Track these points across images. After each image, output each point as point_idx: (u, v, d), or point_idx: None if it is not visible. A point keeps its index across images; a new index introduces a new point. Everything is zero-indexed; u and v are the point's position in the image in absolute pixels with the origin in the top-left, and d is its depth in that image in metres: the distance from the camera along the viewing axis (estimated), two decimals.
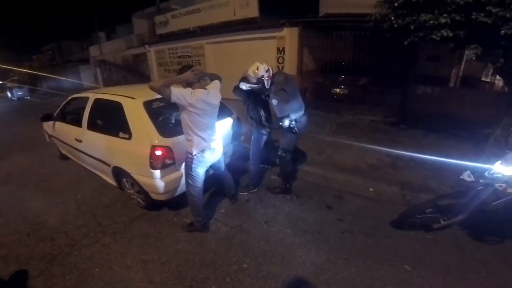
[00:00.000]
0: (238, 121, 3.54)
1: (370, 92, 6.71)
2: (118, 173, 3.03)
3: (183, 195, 2.70)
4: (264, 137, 3.20)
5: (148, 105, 2.76)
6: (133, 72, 16.37)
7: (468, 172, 2.30)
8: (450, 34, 3.55)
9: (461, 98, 4.76)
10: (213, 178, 2.88)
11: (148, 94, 2.79)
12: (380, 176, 3.52)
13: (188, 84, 2.24)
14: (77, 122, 3.48)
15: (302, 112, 2.89)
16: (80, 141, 3.41)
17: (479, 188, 2.21)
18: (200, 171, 2.40)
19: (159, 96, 2.25)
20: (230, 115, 3.41)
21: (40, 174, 4.22)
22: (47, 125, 4.44)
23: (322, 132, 5.02)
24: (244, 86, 2.75)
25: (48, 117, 4.24)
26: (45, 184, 3.86)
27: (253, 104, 2.99)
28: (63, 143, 4.05)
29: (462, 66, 6.36)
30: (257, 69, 2.65)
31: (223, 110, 2.69)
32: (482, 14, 3.13)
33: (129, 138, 2.71)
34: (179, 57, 10.70)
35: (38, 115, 4.60)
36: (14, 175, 4.28)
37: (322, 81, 7.21)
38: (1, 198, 3.51)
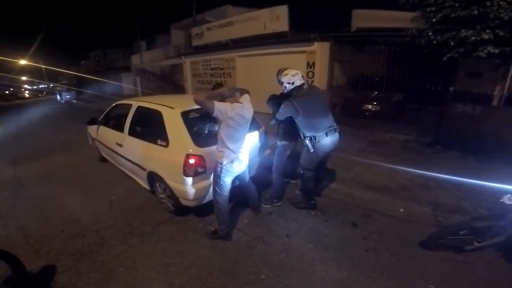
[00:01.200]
0: (265, 134, 3.62)
1: (404, 109, 6.47)
2: (152, 177, 3.21)
3: (210, 203, 2.79)
4: (287, 150, 3.23)
5: (185, 115, 2.93)
6: (168, 81, 17.13)
7: (509, 195, 2.17)
8: (496, 51, 3.40)
9: (505, 118, 4.41)
10: (238, 189, 2.95)
11: (186, 104, 3.00)
12: (411, 196, 3.39)
13: (224, 98, 2.39)
14: (119, 128, 3.78)
15: (323, 131, 2.80)
16: (120, 145, 3.69)
17: None
18: (227, 180, 2.51)
19: (196, 106, 2.41)
20: (258, 128, 3.50)
21: (80, 174, 4.59)
22: (91, 129, 4.85)
23: (351, 149, 4.92)
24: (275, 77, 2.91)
25: (93, 121, 4.66)
26: (84, 184, 4.18)
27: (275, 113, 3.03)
28: (105, 146, 4.39)
29: (507, 84, 5.92)
30: (286, 75, 2.79)
31: (252, 123, 2.79)
32: None
33: (166, 145, 2.90)
34: (212, 69, 11.02)
35: (82, 118, 5.08)
36: (56, 173, 4.70)
37: (353, 97, 7.10)
38: (43, 195, 3.85)
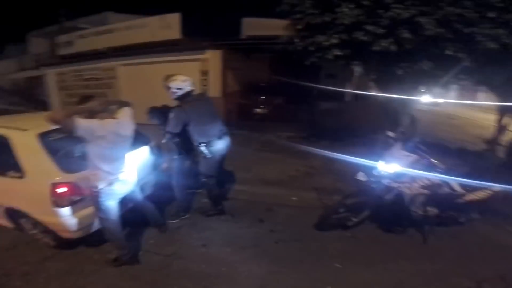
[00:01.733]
0: (157, 148, 3.40)
1: (286, 110, 7.48)
2: (13, 214, 2.56)
3: (100, 230, 2.43)
4: (185, 161, 3.15)
5: (44, 137, 2.41)
6: (25, 97, 13.82)
7: (362, 172, 2.79)
8: (340, 53, 4.13)
9: (355, 110, 5.82)
10: (135, 210, 2.70)
11: (44, 125, 2.44)
12: (300, 185, 3.95)
13: (93, 114, 2.07)
14: None
15: (215, 135, 2.90)
16: None
17: (372, 185, 2.69)
18: (110, 204, 2.22)
19: (57, 126, 2.00)
20: (147, 143, 3.25)
21: None
22: None
23: (247, 151, 5.32)
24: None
25: None
26: None
27: (161, 125, 2.97)
28: None
29: (355, 82, 7.68)
30: (173, 80, 2.75)
31: (139, 138, 2.57)
32: (362, 33, 3.80)
33: (22, 176, 2.32)
34: (85, 79, 9.76)
35: None
36: None
37: (244, 102, 7.67)
38: None
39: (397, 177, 2.60)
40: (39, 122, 2.41)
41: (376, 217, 2.90)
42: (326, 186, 3.83)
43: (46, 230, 2.48)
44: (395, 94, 4.69)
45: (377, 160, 2.74)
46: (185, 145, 3.01)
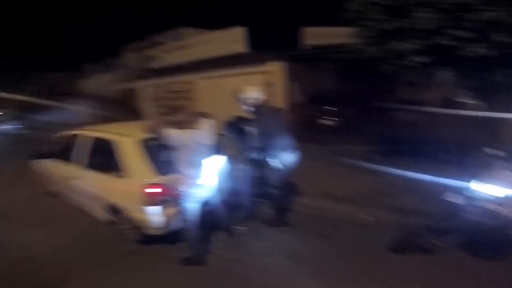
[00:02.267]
0: (232, 158, 3.62)
1: (357, 122, 6.98)
2: (112, 209, 3.03)
3: (179, 230, 2.72)
4: (252, 171, 3.22)
5: (143, 143, 2.85)
6: (124, 106, 16.35)
7: (449, 192, 2.45)
8: (424, 60, 3.78)
9: (439, 122, 5.03)
10: (209, 213, 2.90)
11: (142, 132, 2.89)
12: (373, 203, 3.61)
13: (179, 124, 2.39)
14: (72, 160, 3.52)
15: (285, 148, 2.90)
16: (74, 178, 3.43)
17: (467, 208, 2.34)
18: (191, 206, 2.47)
19: (153, 135, 2.37)
20: (224, 152, 3.49)
21: (30, 210, 4.12)
22: (37, 163, 4.43)
23: (314, 164, 5.13)
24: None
25: (41, 155, 4.24)
26: (36, 219, 3.78)
27: (241, 134, 3.08)
28: (54, 180, 4.03)
29: (442, 90, 6.71)
30: (244, 92, 2.84)
31: (217, 147, 2.81)
32: (446, 38, 3.45)
33: (124, 176, 2.77)
34: (171, 92, 10.75)
35: (27, 150, 4.60)
36: (3, 211, 4.15)
37: (310, 114, 7.43)
38: None
39: (503, 200, 2.22)
40: (138, 130, 2.87)
41: (464, 242, 2.49)
42: (405, 205, 3.42)
43: (135, 226, 2.86)
44: (494, 103, 4.07)
45: (469, 180, 2.41)
46: (255, 155, 3.10)
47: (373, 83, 6.18)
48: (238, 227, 3.22)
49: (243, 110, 2.93)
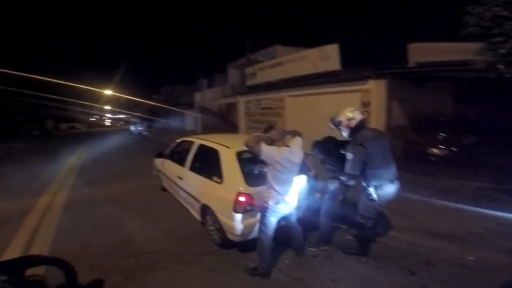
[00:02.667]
0: (314, 177, 3.60)
1: (478, 153, 5.65)
2: (205, 210, 3.42)
3: (254, 240, 2.86)
4: (339, 195, 3.11)
5: (239, 155, 3.18)
6: (224, 119, 17.98)
7: None
8: None
9: None
10: (284, 229, 2.93)
11: (241, 144, 3.21)
12: (484, 244, 3.00)
13: (273, 141, 2.52)
14: (181, 162, 4.21)
15: (388, 179, 2.65)
16: (180, 178, 4.08)
17: None
18: (272, 220, 2.56)
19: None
20: (307, 171, 3.50)
21: (142, 200, 5.11)
22: (157, 161, 5.47)
23: (413, 196, 4.48)
24: (329, 125, 2.80)
25: (160, 155, 5.29)
26: (144, 209, 4.63)
27: (332, 156, 2.96)
28: (167, 177, 4.89)
29: None
30: (342, 113, 2.69)
31: (301, 166, 2.83)
32: None
33: (221, 182, 3.12)
34: (262, 108, 11.25)
35: (150, 150, 5.78)
36: (123, 197, 5.34)
37: (415, 139, 6.44)
38: (109, 215, 4.40)
39: None
40: (238, 142, 3.20)
41: None
42: None
43: (219, 229, 3.14)
44: None
45: None
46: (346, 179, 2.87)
47: (498, 106, 4.93)
48: (310, 248, 3.16)
49: (339, 131, 2.81)
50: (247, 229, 2.90)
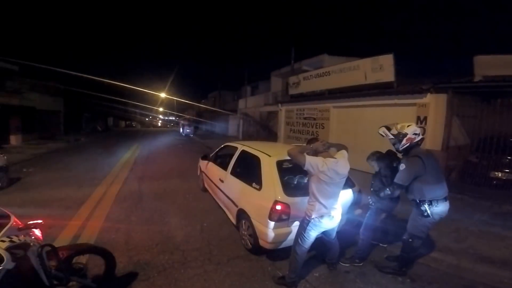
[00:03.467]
0: (358, 193, 3.42)
1: None
2: (241, 214, 3.48)
3: (283, 249, 2.84)
4: (383, 213, 2.99)
5: (279, 164, 3.17)
6: (264, 127, 18.27)
7: None
8: None
9: None
10: (320, 241, 2.83)
11: (281, 153, 3.24)
12: None
13: (317, 153, 2.47)
14: (224, 166, 4.38)
15: (441, 196, 2.56)
16: (222, 181, 4.23)
17: None
18: (312, 234, 2.48)
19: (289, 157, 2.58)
20: (351, 186, 3.36)
21: (185, 198, 5.40)
22: (202, 163, 5.75)
23: (466, 219, 4.05)
24: (382, 131, 2.70)
25: (205, 157, 5.58)
26: (185, 207, 4.89)
27: (388, 168, 2.91)
28: (209, 179, 5.11)
29: None
30: (408, 126, 2.60)
31: (346, 181, 2.71)
32: None
33: (260, 188, 3.15)
34: (304, 118, 10.99)
35: (196, 152, 6.09)
36: (168, 194, 5.70)
37: (476, 161, 5.76)
38: (154, 210, 4.70)
39: None
40: (279, 151, 3.22)
41: None
42: None
43: (252, 234, 3.15)
44: None
45: None
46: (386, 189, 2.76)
47: None
48: (344, 263, 3.04)
49: (394, 143, 2.69)
50: (280, 237, 2.88)
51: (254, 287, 2.67)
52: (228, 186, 4.01)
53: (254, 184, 3.28)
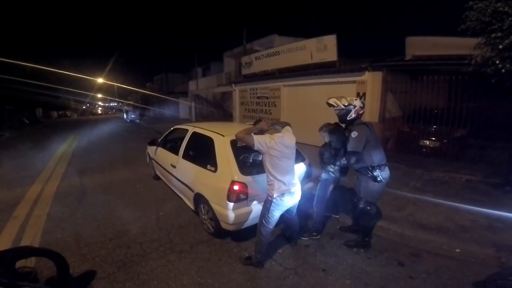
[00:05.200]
0: (309, 167, 3.60)
1: (468, 146, 5.76)
2: (198, 199, 3.40)
3: (247, 229, 2.87)
4: (331, 184, 3.14)
5: (233, 143, 3.12)
6: (219, 108, 18.00)
7: None
8: None
9: None
10: (281, 219, 2.90)
11: (235, 132, 3.17)
12: (471, 237, 3.09)
13: (262, 132, 2.52)
14: (175, 150, 4.15)
15: (384, 161, 2.78)
16: (174, 166, 4.02)
17: None
18: (276, 214, 2.52)
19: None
20: (302, 160, 3.50)
21: (135, 189, 5.05)
22: (150, 149, 5.38)
23: (404, 188, 4.59)
24: (333, 101, 2.79)
25: (153, 142, 5.21)
26: (137, 198, 4.58)
27: (339, 139, 2.97)
28: (160, 166, 4.82)
29: None
30: (355, 99, 2.77)
31: (297, 156, 2.82)
32: None
33: (215, 170, 3.08)
34: (258, 97, 11.24)
35: (143, 138, 5.69)
36: (115, 186, 5.27)
37: (408, 131, 6.46)
38: (101, 204, 4.32)
39: None
40: (232, 130, 3.16)
41: None
42: (509, 243, 2.88)
43: (212, 218, 3.13)
44: None
45: None
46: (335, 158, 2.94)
47: (496, 101, 5.04)
48: (303, 237, 3.20)
49: (340, 115, 2.82)
50: (241, 218, 2.89)
51: (222, 270, 2.67)
52: (182, 171, 3.85)
53: (209, 166, 3.19)
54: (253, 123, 2.64)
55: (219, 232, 3.11)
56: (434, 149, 6.13)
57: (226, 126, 3.91)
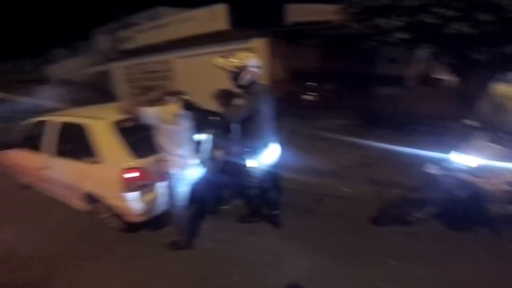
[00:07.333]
0: (216, 135, 3.47)
1: (338, 97, 7.04)
2: (90, 198, 2.87)
3: (161, 215, 2.66)
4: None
5: (117, 125, 2.65)
6: (98, 89, 15.66)
7: (429, 164, 2.48)
8: (406, 37, 3.84)
9: (419, 96, 5.22)
10: (195, 193, 2.77)
11: (116, 114, 2.67)
12: (354, 176, 3.67)
13: (154, 103, 2.25)
14: (41, 148, 3.25)
15: (267, 143, 2.47)
16: (44, 168, 3.19)
17: (443, 179, 2.39)
18: (181, 190, 2.36)
19: (128, 116, 2.21)
20: (208, 129, 3.34)
21: (5, 206, 3.83)
22: (4, 154, 4.05)
23: (297, 139, 5.14)
24: (220, 59, 2.35)
25: (6, 145, 3.89)
26: (11, 214, 3.54)
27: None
28: (24, 172, 3.76)
29: (421, 67, 6.92)
30: (247, 58, 2.28)
31: (201, 125, 2.67)
32: (430, 16, 3.50)
33: (99, 161, 2.59)
34: (147, 72, 10.43)
35: None
36: None
37: (292, 89, 7.38)
38: None
39: (477, 171, 2.26)
40: (112, 112, 2.66)
41: (442, 213, 2.59)
42: (385, 178, 3.51)
43: (116, 214, 2.73)
44: (471, 79, 4.25)
45: (448, 151, 2.44)
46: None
47: (355, 59, 6.22)
48: (223, 207, 3.20)
49: (233, 77, 2.34)
50: (147, 206, 2.59)
51: (151, 263, 2.43)
52: (57, 172, 3.09)
53: (90, 159, 2.65)
54: (144, 93, 2.31)
55: (130, 226, 2.75)
56: (313, 102, 7.25)
57: (103, 109, 3.28)
